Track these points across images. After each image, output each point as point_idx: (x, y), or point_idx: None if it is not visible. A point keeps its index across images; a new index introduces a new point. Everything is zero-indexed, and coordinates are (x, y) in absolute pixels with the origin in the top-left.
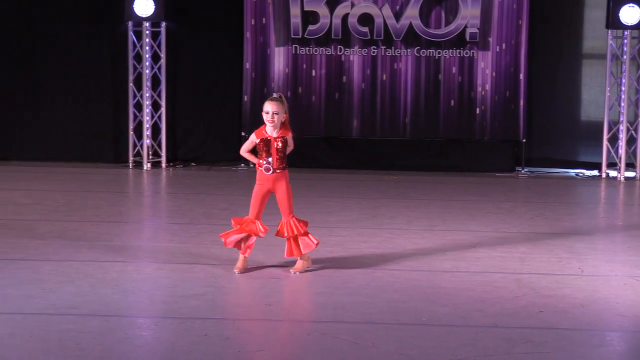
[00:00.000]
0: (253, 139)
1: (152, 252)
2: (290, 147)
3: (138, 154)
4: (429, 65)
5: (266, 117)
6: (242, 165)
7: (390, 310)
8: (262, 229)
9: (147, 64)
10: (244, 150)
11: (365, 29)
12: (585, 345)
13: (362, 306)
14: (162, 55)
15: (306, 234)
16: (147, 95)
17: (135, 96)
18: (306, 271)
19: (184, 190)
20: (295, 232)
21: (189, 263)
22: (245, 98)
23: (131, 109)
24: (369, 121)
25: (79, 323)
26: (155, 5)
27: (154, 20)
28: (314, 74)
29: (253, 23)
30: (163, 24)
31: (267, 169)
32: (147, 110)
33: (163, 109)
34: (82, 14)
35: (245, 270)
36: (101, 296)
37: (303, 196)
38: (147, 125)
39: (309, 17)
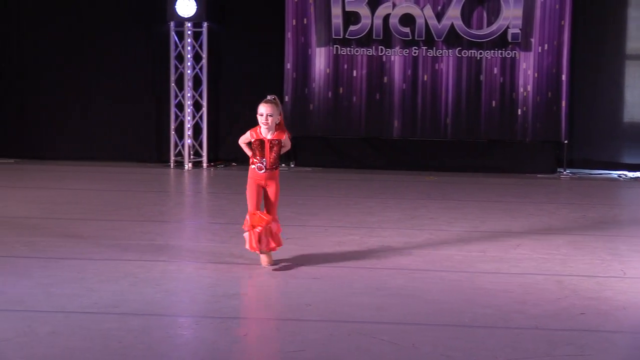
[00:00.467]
0: (248, 136)
1: (194, 251)
2: (287, 147)
3: (179, 154)
4: (470, 66)
5: (260, 119)
6: (282, 165)
7: (430, 311)
8: (265, 217)
9: (189, 64)
10: (242, 142)
11: (407, 30)
12: (627, 347)
13: (402, 307)
14: (204, 55)
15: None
16: (189, 95)
17: (176, 96)
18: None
19: (225, 190)
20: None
21: (230, 263)
22: (286, 98)
23: (172, 109)
24: (410, 122)
25: (121, 322)
26: (197, 5)
27: (196, 20)
28: (354, 74)
29: (294, 23)
30: (205, 24)
31: (260, 168)
32: (189, 110)
33: (204, 109)
34: (124, 14)
35: (273, 262)
36: (143, 295)
37: (344, 196)
38: (189, 125)
39: (350, 18)
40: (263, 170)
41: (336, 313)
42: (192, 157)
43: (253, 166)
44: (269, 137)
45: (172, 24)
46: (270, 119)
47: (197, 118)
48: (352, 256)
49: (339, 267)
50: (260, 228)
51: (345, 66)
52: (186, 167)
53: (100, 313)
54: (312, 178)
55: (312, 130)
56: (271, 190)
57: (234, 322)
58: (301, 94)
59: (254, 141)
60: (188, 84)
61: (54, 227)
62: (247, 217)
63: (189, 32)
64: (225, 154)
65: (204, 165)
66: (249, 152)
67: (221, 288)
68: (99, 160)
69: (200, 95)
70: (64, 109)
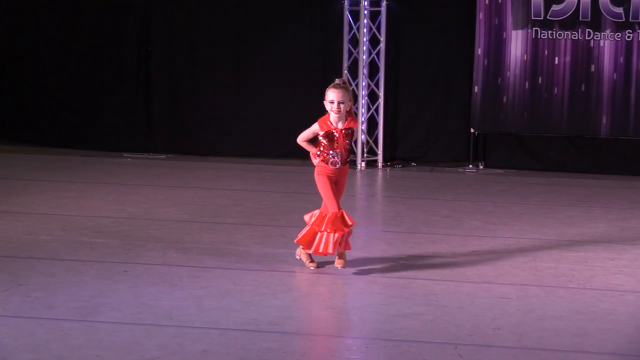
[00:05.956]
0: (316, 129)
1: (365, 263)
2: (355, 138)
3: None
4: None
5: (331, 107)
6: (470, 166)
7: None
8: (350, 220)
9: (364, 48)
10: (303, 139)
11: (619, 10)
12: None
13: (607, 334)
14: (382, 38)
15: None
16: (364, 84)
17: (350, 85)
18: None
19: (403, 193)
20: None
21: (406, 277)
22: (476, 89)
23: None
24: (621, 118)
25: (282, 342)
26: None
27: None
28: (556, 61)
29: (487, 2)
30: (383, 3)
31: (335, 163)
32: (363, 102)
33: (381, 100)
34: None
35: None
36: (307, 312)
37: (540, 204)
38: (363, 119)
39: None
40: (338, 165)
41: (529, 339)
42: (365, 155)
43: (318, 160)
44: (340, 126)
45: (346, 2)
46: (342, 106)
47: (372, 110)
48: (548, 273)
49: (533, 285)
50: (339, 233)
51: (546, 52)
52: (359, 166)
53: (259, 331)
54: (504, 182)
55: (504, 126)
56: (341, 186)
57: (409, 345)
58: (493, 84)
59: (323, 134)
60: (363, 71)
61: (208, 231)
62: (327, 217)
63: (366, 12)
64: (403, 153)
65: (379, 164)
66: (312, 149)
67: (395, 306)
68: (262, 157)
69: (377, 85)
70: (230, 100)
